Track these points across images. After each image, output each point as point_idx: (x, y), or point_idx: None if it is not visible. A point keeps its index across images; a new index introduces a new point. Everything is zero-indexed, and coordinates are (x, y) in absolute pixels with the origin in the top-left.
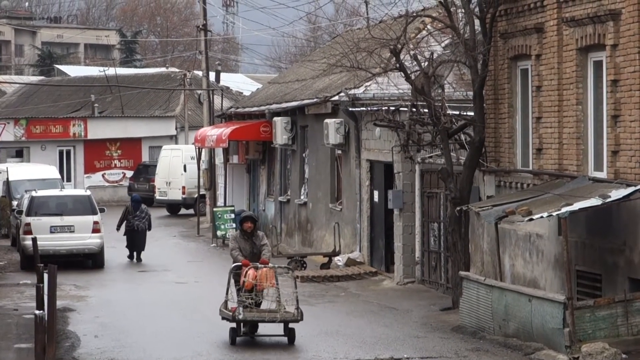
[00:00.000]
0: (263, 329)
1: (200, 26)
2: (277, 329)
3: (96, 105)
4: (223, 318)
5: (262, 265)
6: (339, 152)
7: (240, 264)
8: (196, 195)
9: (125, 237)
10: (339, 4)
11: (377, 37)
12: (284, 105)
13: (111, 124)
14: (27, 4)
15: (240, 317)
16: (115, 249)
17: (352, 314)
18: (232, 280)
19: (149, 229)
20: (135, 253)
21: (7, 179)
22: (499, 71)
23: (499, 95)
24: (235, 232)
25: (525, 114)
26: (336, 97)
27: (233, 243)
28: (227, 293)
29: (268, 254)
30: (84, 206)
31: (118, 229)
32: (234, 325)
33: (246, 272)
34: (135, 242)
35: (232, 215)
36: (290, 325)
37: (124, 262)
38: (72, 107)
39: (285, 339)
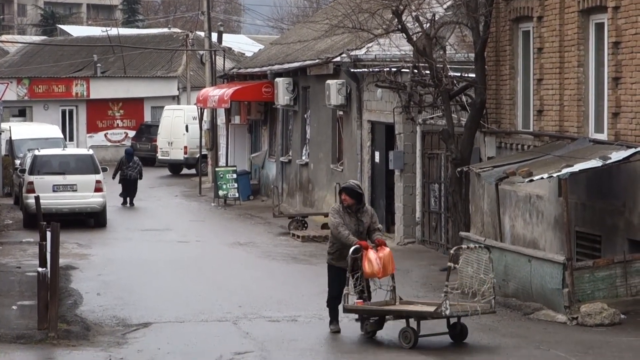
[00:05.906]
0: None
1: None
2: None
3: (99, 65)
4: (361, 318)
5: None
6: (341, 113)
7: (357, 246)
8: (198, 156)
9: (120, 185)
10: None
11: None
12: (286, 66)
13: (114, 84)
14: None
15: (448, 312)
16: (117, 208)
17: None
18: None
19: (140, 177)
20: (128, 199)
21: (10, 138)
22: (500, 33)
23: (501, 57)
24: (336, 204)
25: (526, 76)
26: (338, 58)
27: (336, 218)
28: (347, 284)
29: (381, 235)
30: (86, 165)
31: (113, 177)
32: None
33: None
34: (128, 189)
35: (234, 175)
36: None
37: (126, 221)
38: (74, 67)
39: (447, 337)
